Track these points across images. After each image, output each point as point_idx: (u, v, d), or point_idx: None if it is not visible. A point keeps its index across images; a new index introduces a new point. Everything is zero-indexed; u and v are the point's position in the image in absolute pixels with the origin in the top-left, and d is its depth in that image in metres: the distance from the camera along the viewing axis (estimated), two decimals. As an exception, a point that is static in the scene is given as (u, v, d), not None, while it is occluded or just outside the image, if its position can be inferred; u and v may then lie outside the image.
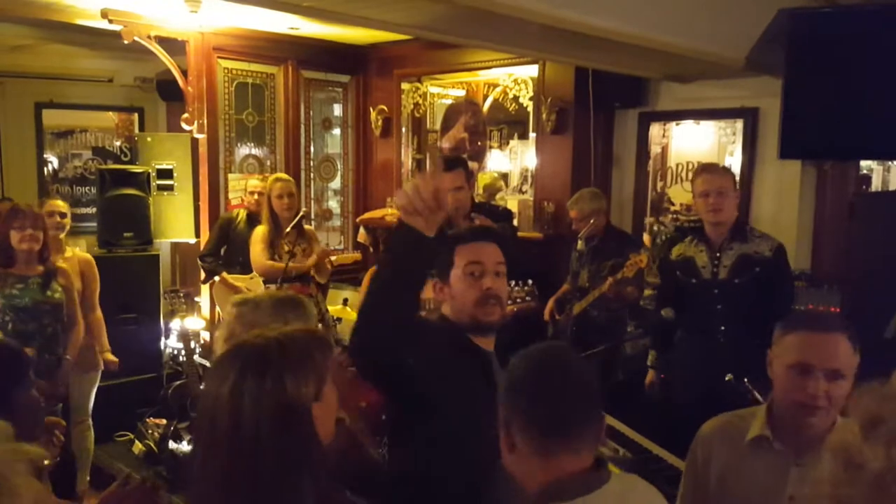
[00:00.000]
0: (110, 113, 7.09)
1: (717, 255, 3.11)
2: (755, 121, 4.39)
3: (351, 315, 4.97)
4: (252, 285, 4.15)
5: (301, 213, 3.97)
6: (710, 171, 3.20)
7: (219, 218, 4.72)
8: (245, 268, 4.29)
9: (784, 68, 3.72)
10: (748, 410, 1.80)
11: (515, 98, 5.20)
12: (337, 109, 6.11)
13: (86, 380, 3.74)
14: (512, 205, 5.10)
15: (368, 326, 1.55)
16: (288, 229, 3.91)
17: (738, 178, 3.99)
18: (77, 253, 3.88)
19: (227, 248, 4.47)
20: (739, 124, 4.48)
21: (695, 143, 4.77)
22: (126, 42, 4.41)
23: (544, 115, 4.84)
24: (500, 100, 5.48)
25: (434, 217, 1.48)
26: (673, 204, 4.85)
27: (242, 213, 4.63)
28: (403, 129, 5.91)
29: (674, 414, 3.15)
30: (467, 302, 1.79)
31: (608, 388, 4.09)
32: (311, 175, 5.99)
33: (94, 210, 5.46)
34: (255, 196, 4.53)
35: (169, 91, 5.68)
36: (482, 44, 3.98)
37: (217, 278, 4.43)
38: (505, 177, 5.78)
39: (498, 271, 1.82)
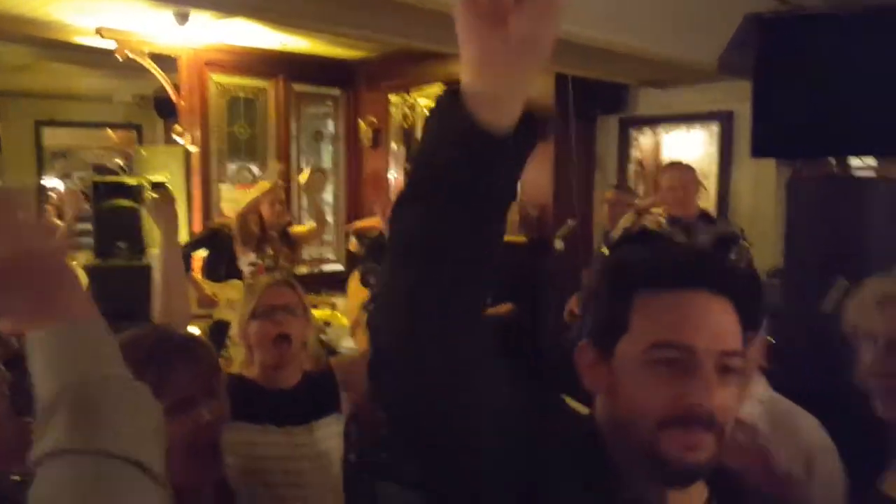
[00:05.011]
0: (109, 130, 7.28)
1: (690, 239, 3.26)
2: (730, 123, 4.51)
3: (341, 320, 5.07)
4: (221, 291, 4.18)
5: (288, 218, 4.11)
6: (673, 167, 3.37)
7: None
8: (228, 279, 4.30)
9: (753, 72, 3.84)
10: None
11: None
12: (328, 122, 6.25)
13: None
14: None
15: (391, 352, 0.75)
16: (273, 233, 4.04)
17: (716, 179, 4.13)
18: None
19: (212, 255, 4.47)
20: (716, 127, 4.60)
21: (682, 148, 4.87)
22: (120, 59, 4.57)
23: (526, 123, 4.96)
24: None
25: (526, 55, 0.65)
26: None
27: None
28: (392, 141, 6.04)
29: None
30: (645, 414, 0.86)
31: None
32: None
33: (93, 225, 5.58)
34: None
35: (166, 108, 5.81)
36: (445, 49, 4.11)
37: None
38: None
39: (727, 365, 0.86)
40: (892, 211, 3.15)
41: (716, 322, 0.87)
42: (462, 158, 0.67)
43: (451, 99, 0.68)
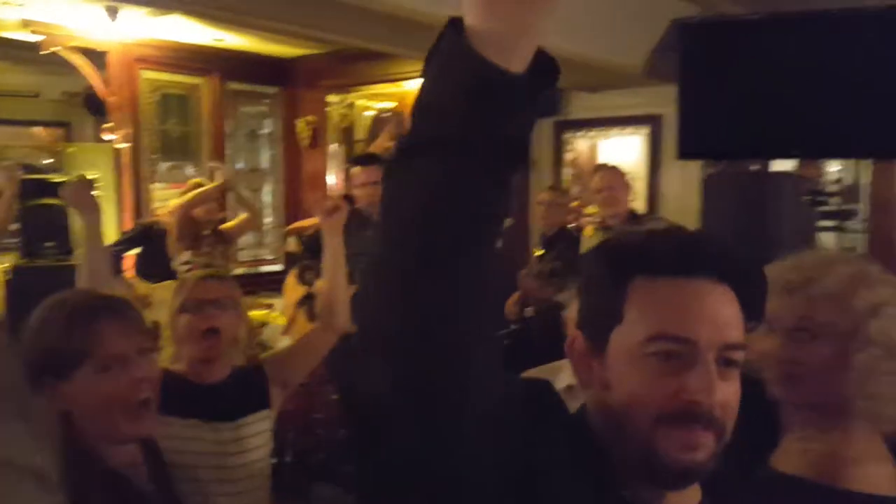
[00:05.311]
0: (37, 129, 7.04)
1: None
2: (659, 127, 4.67)
3: (277, 320, 5.02)
4: (155, 293, 4.11)
5: (221, 216, 4.08)
6: (603, 169, 3.47)
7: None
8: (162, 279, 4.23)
9: (678, 76, 3.97)
10: None
11: (437, 108, 5.38)
12: (265, 121, 6.18)
13: None
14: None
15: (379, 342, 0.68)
16: (208, 231, 4.00)
17: (646, 180, 4.25)
18: None
19: (146, 253, 4.42)
20: (645, 130, 4.75)
21: (618, 151, 5.00)
22: (45, 52, 4.45)
23: (463, 124, 5.03)
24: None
25: None
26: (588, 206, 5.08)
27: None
28: (331, 141, 6.02)
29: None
30: (640, 411, 0.80)
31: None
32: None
33: (21, 225, 5.41)
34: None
35: (96, 105, 5.66)
36: (386, 48, 4.15)
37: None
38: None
39: (729, 359, 0.80)
40: (798, 204, 3.32)
41: (718, 313, 0.80)
42: (476, 104, 0.59)
43: (456, 39, 0.59)
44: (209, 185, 4.10)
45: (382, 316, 0.66)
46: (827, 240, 4.16)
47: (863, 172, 4.50)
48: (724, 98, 3.82)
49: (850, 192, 4.51)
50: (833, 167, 4.59)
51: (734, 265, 0.83)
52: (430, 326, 0.64)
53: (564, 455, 0.80)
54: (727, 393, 0.79)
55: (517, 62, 0.59)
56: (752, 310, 0.83)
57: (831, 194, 4.14)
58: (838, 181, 4.47)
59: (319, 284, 3.67)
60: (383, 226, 0.67)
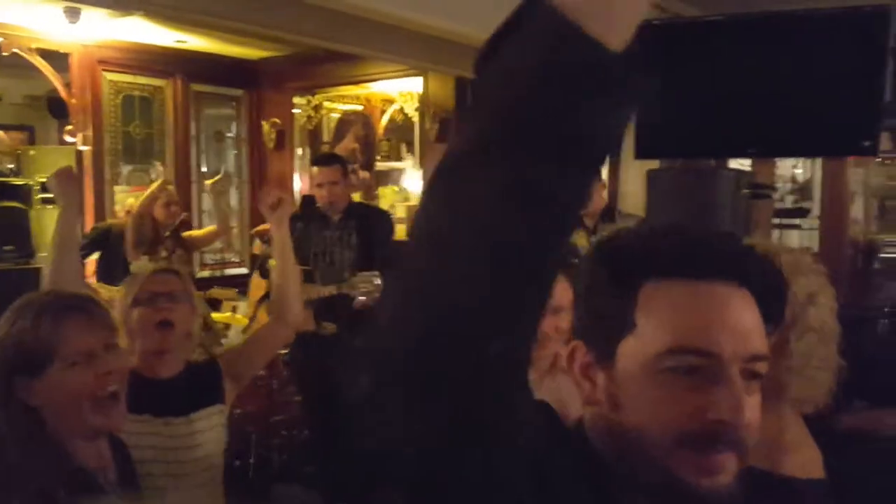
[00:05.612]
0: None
1: (594, 236, 3.46)
2: (619, 126, 4.74)
3: (241, 322, 5.00)
4: (118, 296, 4.09)
5: (181, 218, 4.07)
6: None
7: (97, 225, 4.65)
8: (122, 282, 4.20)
9: (636, 76, 4.04)
10: None
11: (401, 109, 5.44)
12: (231, 124, 6.16)
13: None
14: (401, 210, 5.30)
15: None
16: (167, 233, 3.99)
17: (608, 178, 4.34)
18: None
19: (105, 257, 4.32)
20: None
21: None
22: (5, 54, 4.40)
23: (427, 125, 5.11)
24: (392, 114, 5.71)
25: None
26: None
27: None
28: (297, 143, 6.02)
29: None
30: (658, 431, 0.72)
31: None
32: (204, 189, 5.99)
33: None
34: None
35: (59, 109, 5.62)
36: (355, 50, 4.17)
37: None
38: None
39: (753, 371, 0.74)
40: (739, 199, 3.41)
41: (740, 321, 0.72)
42: (571, 83, 0.49)
43: (548, 13, 0.49)
44: (153, 186, 4.08)
45: (437, 346, 0.54)
46: (784, 237, 4.25)
47: (818, 171, 4.61)
48: (681, 98, 3.89)
49: (804, 190, 4.63)
50: (788, 166, 4.70)
51: (752, 266, 0.75)
52: (484, 350, 0.54)
53: (567, 472, 0.72)
54: (752, 409, 0.72)
55: (617, 37, 0.50)
56: (772, 314, 0.76)
57: (786, 192, 4.24)
58: (793, 179, 4.58)
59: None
60: (432, 232, 0.55)
